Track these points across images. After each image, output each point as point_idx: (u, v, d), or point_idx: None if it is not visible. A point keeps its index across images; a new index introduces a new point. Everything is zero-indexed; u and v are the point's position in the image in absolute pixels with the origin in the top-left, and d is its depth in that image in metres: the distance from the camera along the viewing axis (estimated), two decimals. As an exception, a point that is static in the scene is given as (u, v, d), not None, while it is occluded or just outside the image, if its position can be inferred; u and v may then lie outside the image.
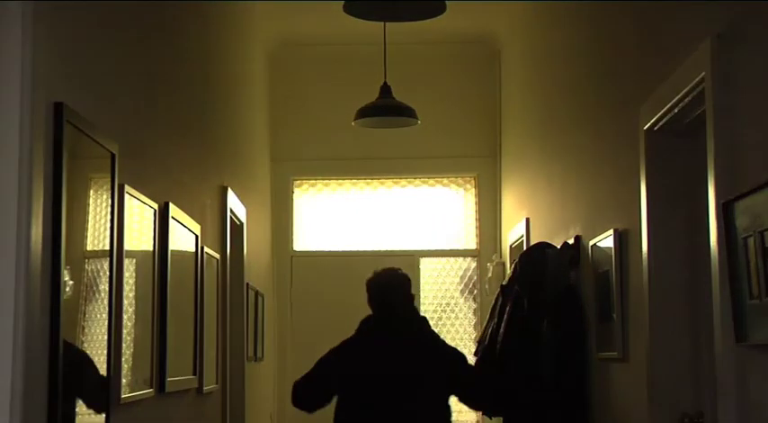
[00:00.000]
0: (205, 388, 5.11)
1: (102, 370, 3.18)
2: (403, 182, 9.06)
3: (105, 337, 3.20)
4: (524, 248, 6.54)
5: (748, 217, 2.64)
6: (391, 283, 5.23)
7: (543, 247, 5.58)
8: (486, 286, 8.34)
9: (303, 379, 5.23)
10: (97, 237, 3.12)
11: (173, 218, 4.21)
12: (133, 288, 3.63)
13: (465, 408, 8.73)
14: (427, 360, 5.09)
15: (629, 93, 4.11)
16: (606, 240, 4.43)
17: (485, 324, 5.81)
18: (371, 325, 5.19)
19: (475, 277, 8.96)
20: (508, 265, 7.73)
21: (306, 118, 8.90)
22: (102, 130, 3.12)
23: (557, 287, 5.16)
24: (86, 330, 3.02)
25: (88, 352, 3.05)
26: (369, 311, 5.31)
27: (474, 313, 8.94)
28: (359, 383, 5.03)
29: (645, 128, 3.72)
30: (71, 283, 2.82)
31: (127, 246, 3.46)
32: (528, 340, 5.11)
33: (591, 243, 4.77)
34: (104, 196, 3.18)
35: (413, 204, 9.05)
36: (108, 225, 3.22)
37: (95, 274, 3.11)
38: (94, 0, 3.17)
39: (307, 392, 5.21)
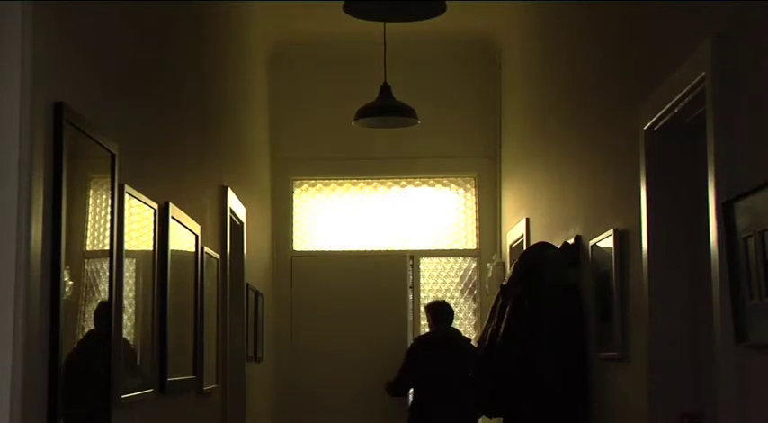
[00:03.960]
0: (205, 388, 5.11)
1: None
2: (403, 182, 9.06)
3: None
4: (524, 248, 6.54)
5: (748, 217, 2.64)
6: (442, 308, 7.96)
7: (543, 247, 5.58)
8: (486, 286, 8.34)
9: (401, 372, 7.79)
10: (97, 237, 3.12)
11: (173, 218, 4.21)
12: (133, 288, 3.63)
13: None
14: (461, 359, 7.24)
15: (629, 93, 4.11)
16: (606, 240, 4.43)
17: (485, 324, 5.81)
18: (432, 333, 7.85)
19: (475, 277, 8.96)
20: (508, 265, 7.73)
21: (306, 118, 8.90)
22: (102, 130, 3.12)
23: (557, 287, 5.16)
24: (86, 330, 3.02)
25: (88, 352, 3.05)
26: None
27: (474, 313, 8.94)
28: (425, 367, 7.59)
29: (645, 128, 3.72)
30: (71, 283, 2.82)
31: (127, 246, 3.46)
32: (528, 340, 5.11)
33: (591, 243, 4.77)
34: (104, 196, 3.18)
35: (413, 204, 9.05)
36: (108, 225, 3.22)
37: (95, 274, 3.11)
38: (94, 0, 3.17)
39: (405, 381, 7.77)
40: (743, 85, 2.79)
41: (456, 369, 7.23)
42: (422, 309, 8.89)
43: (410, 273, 9.05)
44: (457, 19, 7.45)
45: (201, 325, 4.94)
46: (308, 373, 8.69)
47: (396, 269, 8.85)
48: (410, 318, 8.96)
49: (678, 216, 3.68)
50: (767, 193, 2.51)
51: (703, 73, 3.02)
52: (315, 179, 9.09)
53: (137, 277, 3.69)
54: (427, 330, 8.33)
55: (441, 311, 7.88)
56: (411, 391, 8.07)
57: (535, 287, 5.24)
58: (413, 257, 9.04)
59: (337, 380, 8.62)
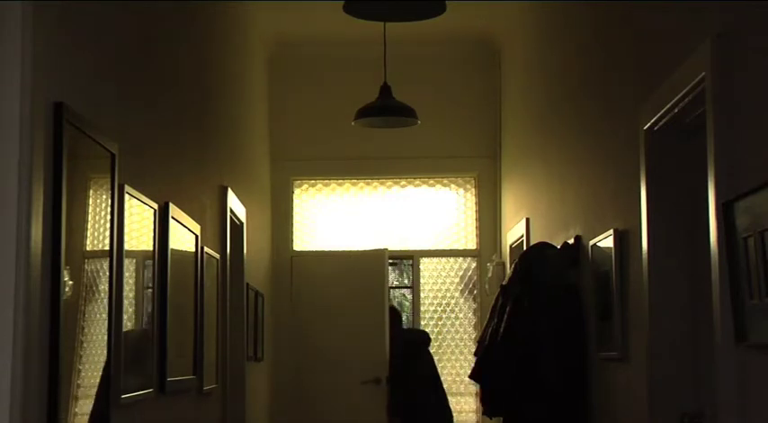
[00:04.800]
0: (205, 388, 5.11)
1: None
2: (403, 182, 9.06)
3: (105, 337, 3.20)
4: (524, 248, 6.54)
5: (748, 217, 2.64)
6: (397, 311, 8.71)
7: (543, 247, 5.58)
8: (486, 286, 8.34)
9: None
10: (97, 237, 3.12)
11: (173, 218, 4.21)
12: (133, 288, 3.63)
13: (466, 407, 8.83)
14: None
15: (629, 93, 4.11)
16: (606, 240, 4.43)
17: (485, 324, 5.81)
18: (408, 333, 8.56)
19: (475, 277, 8.95)
20: (508, 265, 7.73)
21: (306, 118, 8.89)
22: (102, 130, 3.12)
23: (557, 287, 5.16)
24: (86, 330, 3.02)
25: (88, 352, 3.05)
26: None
27: (474, 313, 8.94)
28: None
29: (645, 128, 3.72)
30: (71, 283, 2.82)
31: (127, 246, 3.46)
32: (528, 340, 5.11)
33: (591, 243, 4.77)
34: (104, 196, 3.18)
35: (413, 204, 9.05)
36: (108, 225, 3.22)
37: (95, 274, 3.11)
38: (94, 0, 3.17)
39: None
40: (743, 85, 2.79)
41: (426, 369, 8.07)
42: (423, 309, 8.92)
43: (410, 272, 9.05)
44: (457, 19, 7.45)
45: (201, 325, 4.94)
46: (307, 372, 8.70)
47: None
48: (410, 317, 8.97)
49: (678, 216, 3.68)
50: (767, 193, 2.51)
51: (703, 73, 3.02)
52: (315, 179, 9.09)
53: (137, 277, 3.69)
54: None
55: (398, 315, 8.53)
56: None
57: (535, 287, 5.23)
58: (413, 257, 9.04)
59: (337, 379, 8.62)
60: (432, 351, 8.78)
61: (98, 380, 3.15)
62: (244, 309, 6.57)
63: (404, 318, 9.02)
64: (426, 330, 8.69)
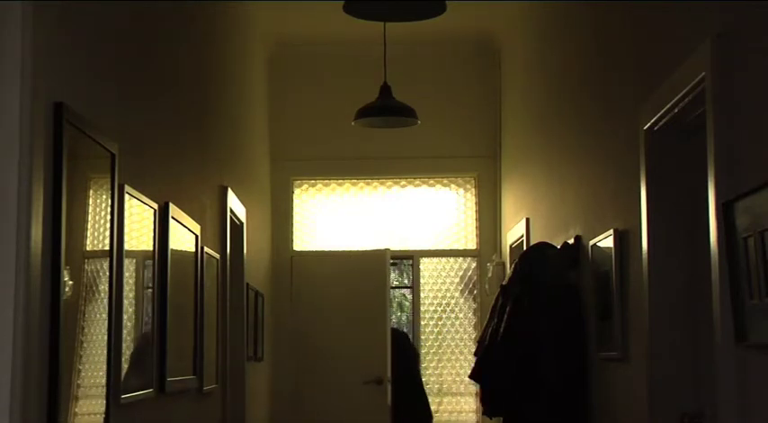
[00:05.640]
0: (205, 388, 5.11)
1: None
2: (403, 182, 9.06)
3: (105, 337, 3.20)
4: (524, 248, 6.54)
5: (748, 217, 2.64)
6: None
7: (543, 247, 5.58)
8: (486, 286, 8.34)
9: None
10: (97, 237, 3.12)
11: (173, 218, 4.21)
12: (133, 288, 3.63)
13: (466, 407, 8.83)
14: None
15: (629, 93, 4.11)
16: (606, 240, 4.43)
17: (485, 324, 5.81)
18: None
19: (475, 277, 8.95)
20: (508, 265, 7.73)
21: (306, 118, 8.89)
22: (102, 130, 3.12)
23: (557, 287, 5.16)
24: (86, 330, 3.02)
25: (88, 352, 3.05)
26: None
27: (474, 313, 8.94)
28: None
29: (645, 128, 3.72)
30: (71, 283, 2.82)
31: (127, 246, 3.46)
32: (528, 340, 5.11)
33: (591, 243, 4.77)
34: (104, 196, 3.18)
35: (413, 204, 9.05)
36: (108, 225, 3.22)
37: (95, 274, 3.11)
38: (94, 0, 3.17)
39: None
40: (743, 85, 2.79)
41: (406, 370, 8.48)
42: (423, 309, 8.92)
43: (410, 272, 9.05)
44: (457, 19, 7.45)
45: (201, 325, 4.94)
46: (307, 372, 8.70)
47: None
48: (411, 317, 8.97)
49: (678, 216, 3.68)
50: (767, 193, 2.51)
51: (703, 73, 3.02)
52: (315, 179, 9.09)
53: (137, 277, 3.69)
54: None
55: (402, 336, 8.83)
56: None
57: (535, 287, 5.24)
58: (413, 257, 9.04)
59: (338, 379, 8.62)
60: (431, 351, 8.79)
61: (98, 380, 3.15)
62: (244, 309, 6.57)
63: (407, 334, 9.01)
64: (405, 331, 8.84)
